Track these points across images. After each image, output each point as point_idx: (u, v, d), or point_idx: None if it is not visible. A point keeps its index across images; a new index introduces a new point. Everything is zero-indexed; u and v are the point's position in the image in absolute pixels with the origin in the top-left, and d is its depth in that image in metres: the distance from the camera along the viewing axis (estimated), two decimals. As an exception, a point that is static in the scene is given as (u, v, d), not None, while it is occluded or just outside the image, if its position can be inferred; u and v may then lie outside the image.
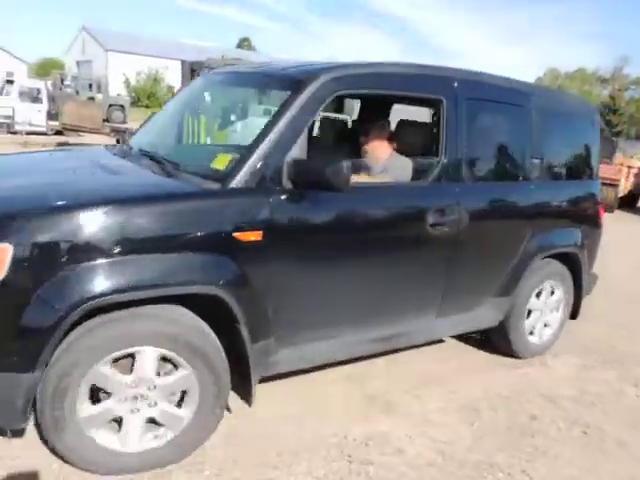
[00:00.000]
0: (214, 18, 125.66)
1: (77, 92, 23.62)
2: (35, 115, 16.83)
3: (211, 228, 2.26)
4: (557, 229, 3.69)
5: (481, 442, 2.78)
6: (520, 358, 3.75)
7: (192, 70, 9.69)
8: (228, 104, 4.68)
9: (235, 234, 2.29)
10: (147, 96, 37.10)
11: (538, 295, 3.72)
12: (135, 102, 32.54)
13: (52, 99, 17.25)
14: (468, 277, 3.23)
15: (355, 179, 2.62)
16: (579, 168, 4.00)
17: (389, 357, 3.52)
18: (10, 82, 17.89)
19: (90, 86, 25.21)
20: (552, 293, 3.82)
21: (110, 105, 23.45)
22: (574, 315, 4.04)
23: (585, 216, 3.94)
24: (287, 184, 2.42)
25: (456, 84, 3.03)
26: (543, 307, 3.78)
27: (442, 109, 2.97)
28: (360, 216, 2.74)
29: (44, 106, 17.13)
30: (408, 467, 2.53)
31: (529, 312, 3.70)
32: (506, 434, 2.88)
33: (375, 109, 4.09)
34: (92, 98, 22.87)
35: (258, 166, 2.37)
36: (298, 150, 2.47)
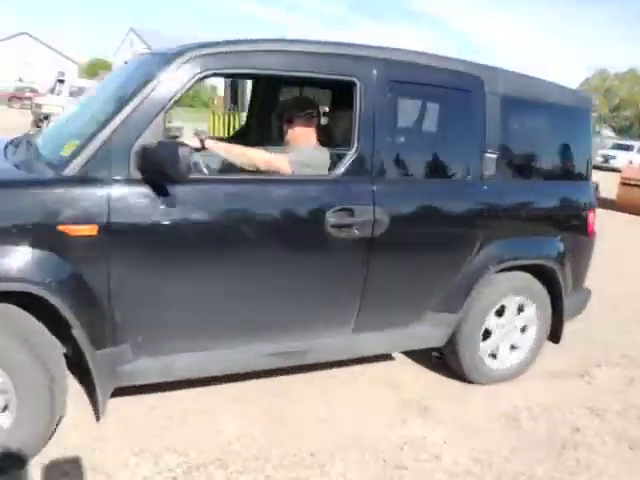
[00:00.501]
0: (257, 18, 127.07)
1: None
2: (84, 113, 17.34)
3: (37, 220, 2.03)
4: (522, 238, 3.15)
5: (520, 453, 2.69)
6: (479, 384, 3.25)
7: (235, 70, 9.81)
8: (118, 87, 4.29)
9: (63, 227, 2.05)
10: (191, 96, 37.77)
11: (500, 313, 3.19)
12: (178, 101, 33.09)
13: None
14: (392, 289, 2.81)
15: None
16: (561, 167, 3.42)
17: (425, 362, 3.46)
18: (61, 82, 18.56)
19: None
20: (520, 311, 3.26)
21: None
22: (555, 338, 3.43)
23: (567, 224, 3.36)
24: (135, 174, 2.17)
25: (374, 64, 2.60)
26: (507, 327, 3.23)
27: (356, 93, 2.56)
28: (228, 213, 2.36)
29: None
30: (444, 474, 2.48)
31: (487, 332, 3.18)
32: (547, 446, 2.78)
33: (272, 92, 3.70)
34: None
35: (98, 153, 2.12)
36: (151, 135, 2.17)
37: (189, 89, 2.34)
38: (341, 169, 2.59)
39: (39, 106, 17.63)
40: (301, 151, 2.79)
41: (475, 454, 2.64)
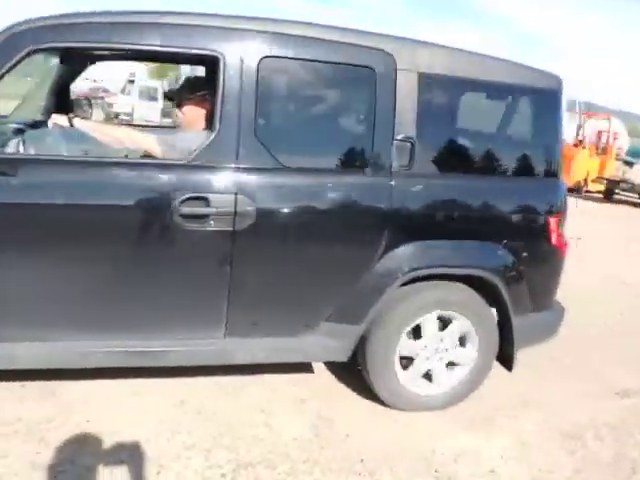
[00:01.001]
0: (312, 16, 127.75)
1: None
2: (151, 113, 18.07)
3: None
4: (444, 243, 2.66)
5: (583, 474, 2.54)
6: (401, 409, 2.81)
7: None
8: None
9: None
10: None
11: (418, 330, 2.73)
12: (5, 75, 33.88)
13: (170, 98, 18.48)
14: (267, 292, 2.50)
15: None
16: (511, 161, 2.85)
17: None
18: (131, 82, 19.37)
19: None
20: (447, 326, 2.78)
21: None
22: (506, 363, 2.92)
23: (515, 229, 2.78)
24: None
25: (242, 37, 2.32)
26: (436, 343, 2.76)
27: (219, 69, 2.30)
28: (60, 198, 2.20)
29: (159, 104, 18.36)
30: (500, 491, 2.37)
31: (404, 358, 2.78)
32: (613, 468, 2.61)
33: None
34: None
35: None
36: None
37: (17, 63, 2.19)
38: (197, 153, 2.33)
39: (110, 105, 18.46)
40: (174, 132, 2.65)
41: (534, 472, 2.51)
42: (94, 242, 2.29)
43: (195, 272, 2.41)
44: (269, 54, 2.35)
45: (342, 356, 2.68)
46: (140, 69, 21.61)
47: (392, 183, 2.53)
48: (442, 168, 2.68)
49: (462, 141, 2.87)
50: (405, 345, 2.73)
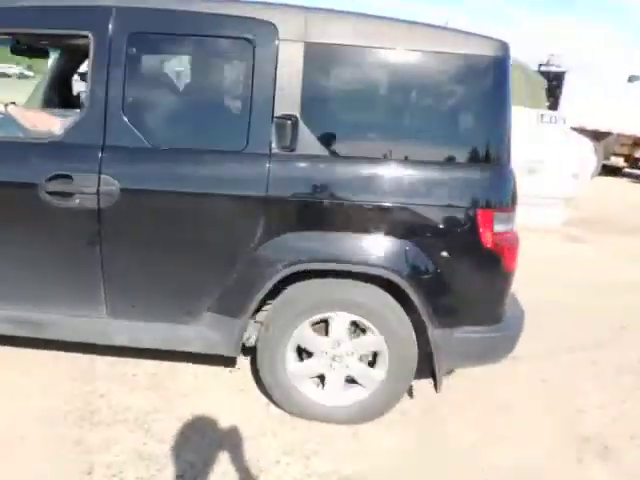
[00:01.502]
0: (404, 13, 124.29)
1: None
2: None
3: None
4: (337, 235, 2.34)
5: None
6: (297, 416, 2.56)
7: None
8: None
9: None
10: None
11: (320, 328, 2.49)
12: None
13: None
14: (139, 274, 2.44)
15: None
16: (432, 144, 2.42)
17: (607, 395, 3.00)
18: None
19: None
20: (362, 333, 2.48)
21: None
22: (434, 383, 2.54)
23: (434, 225, 2.33)
24: None
25: (114, 14, 2.28)
26: (334, 351, 2.49)
27: (90, 49, 2.30)
28: None
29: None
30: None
31: (304, 351, 2.53)
32: None
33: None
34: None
35: None
36: None
37: None
38: (65, 132, 2.38)
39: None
40: (75, 113, 2.67)
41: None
42: None
43: (68, 248, 2.45)
44: (137, 30, 2.31)
45: (228, 350, 2.52)
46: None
47: (269, 165, 2.31)
48: (333, 150, 2.35)
49: (361, 120, 2.46)
50: (303, 338, 2.48)
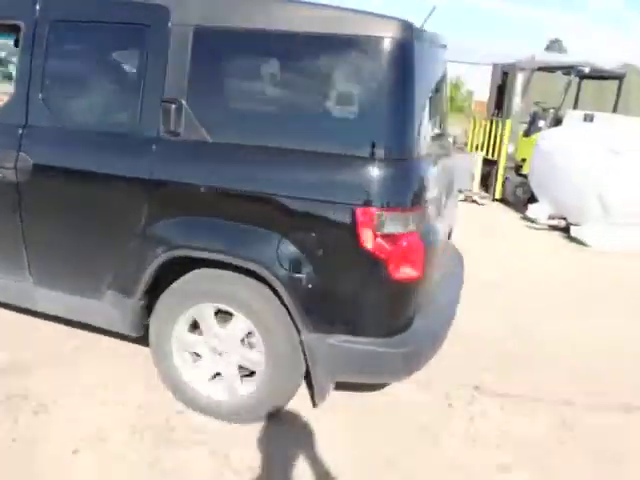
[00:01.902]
0: (517, 19, 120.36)
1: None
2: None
3: None
4: (212, 223, 2.30)
5: None
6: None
7: (504, 73, 9.11)
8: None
9: None
10: (446, 101, 37.44)
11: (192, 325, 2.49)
12: None
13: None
14: (51, 246, 2.65)
15: None
16: (317, 133, 2.25)
17: None
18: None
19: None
20: (228, 322, 2.42)
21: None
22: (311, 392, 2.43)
23: (310, 220, 2.18)
24: None
25: (38, 4, 2.55)
26: (214, 341, 2.47)
27: (21, 37, 2.59)
28: None
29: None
30: None
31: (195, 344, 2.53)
32: None
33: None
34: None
35: None
36: None
37: None
38: (0, 112, 2.70)
39: None
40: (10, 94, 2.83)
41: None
42: None
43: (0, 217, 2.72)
44: (58, 18, 2.54)
45: (124, 328, 2.61)
46: None
47: (155, 148, 2.35)
48: (217, 136, 2.30)
49: (245, 107, 2.42)
50: (183, 338, 2.50)
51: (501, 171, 8.34)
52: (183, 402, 2.58)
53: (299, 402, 2.60)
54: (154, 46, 2.36)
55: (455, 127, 14.64)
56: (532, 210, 7.01)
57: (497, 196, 8.38)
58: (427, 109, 2.52)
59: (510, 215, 7.64)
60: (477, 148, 9.08)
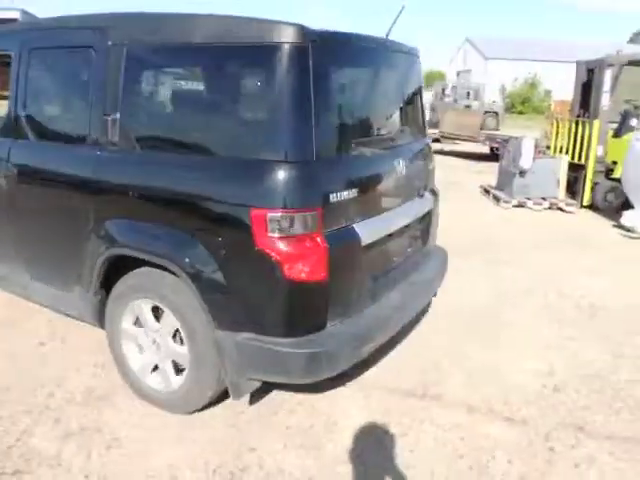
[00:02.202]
0: (598, 14, 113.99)
1: (455, 101, 24.57)
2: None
3: None
4: (139, 223, 2.59)
5: None
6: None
7: (589, 70, 8.49)
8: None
9: None
10: (521, 102, 36.10)
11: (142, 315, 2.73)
12: (509, 108, 32.00)
13: (433, 108, 18.25)
14: (33, 245, 3.10)
15: None
16: (226, 139, 2.41)
17: None
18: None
19: (468, 94, 25.88)
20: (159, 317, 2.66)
21: (485, 112, 23.55)
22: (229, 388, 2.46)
23: (214, 220, 2.36)
24: None
25: (22, 36, 3.13)
26: (152, 336, 2.72)
27: (11, 62, 3.06)
28: None
29: (426, 115, 18.33)
30: None
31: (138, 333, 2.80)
32: None
33: None
34: (468, 106, 23.40)
35: None
36: None
37: None
38: None
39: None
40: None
41: None
42: None
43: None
44: (33, 47, 3.01)
45: (92, 320, 2.92)
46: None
47: (98, 155, 2.68)
48: (142, 145, 2.61)
49: (162, 116, 2.75)
50: (128, 330, 2.76)
51: (590, 175, 7.76)
52: (130, 387, 2.85)
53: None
54: (97, 65, 2.69)
55: (534, 130, 13.93)
56: (627, 217, 6.43)
57: (585, 203, 7.80)
58: (357, 110, 2.80)
59: (601, 223, 7.07)
60: (561, 151, 8.52)
